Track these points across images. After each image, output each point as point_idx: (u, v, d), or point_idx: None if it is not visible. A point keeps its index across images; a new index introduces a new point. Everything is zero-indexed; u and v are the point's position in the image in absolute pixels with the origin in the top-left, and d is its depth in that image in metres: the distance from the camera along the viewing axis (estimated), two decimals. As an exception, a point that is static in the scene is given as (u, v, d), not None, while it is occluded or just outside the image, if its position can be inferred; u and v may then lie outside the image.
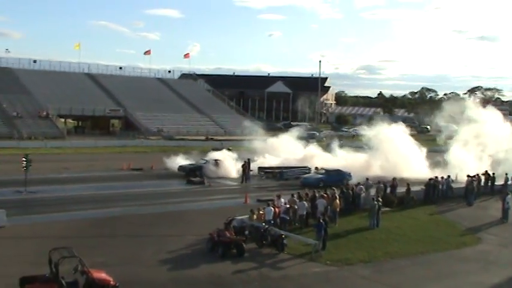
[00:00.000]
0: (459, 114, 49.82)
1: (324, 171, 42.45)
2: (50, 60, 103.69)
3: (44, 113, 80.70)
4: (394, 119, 54.07)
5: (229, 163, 45.60)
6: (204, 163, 44.80)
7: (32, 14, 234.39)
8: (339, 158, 49.45)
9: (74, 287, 16.64)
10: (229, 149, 49.38)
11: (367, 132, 50.32)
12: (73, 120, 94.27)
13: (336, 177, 40.61)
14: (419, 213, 33.37)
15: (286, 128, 74.82)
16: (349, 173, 42.07)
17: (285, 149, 52.07)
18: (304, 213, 28.40)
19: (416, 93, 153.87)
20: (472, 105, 51.76)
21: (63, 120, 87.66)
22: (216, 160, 45.34)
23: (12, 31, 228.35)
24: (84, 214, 30.07)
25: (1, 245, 23.42)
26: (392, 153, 45.82)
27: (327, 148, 53.39)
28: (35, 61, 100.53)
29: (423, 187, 37.34)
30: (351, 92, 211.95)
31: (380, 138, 47.41)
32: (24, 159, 34.91)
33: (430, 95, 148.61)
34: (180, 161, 46.87)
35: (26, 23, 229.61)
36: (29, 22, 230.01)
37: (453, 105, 52.94)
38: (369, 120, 51.59)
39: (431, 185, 37.17)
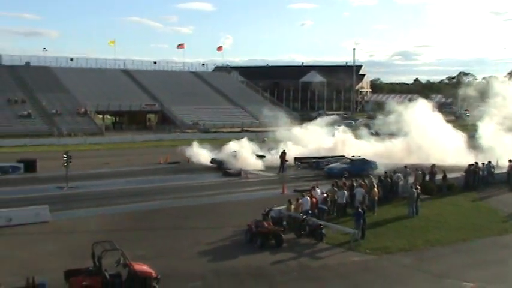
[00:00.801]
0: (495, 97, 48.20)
1: (348, 160, 41.87)
2: (87, 58, 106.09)
3: (82, 110, 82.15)
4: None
5: (247, 155, 45.42)
6: (235, 155, 45.00)
7: (67, 13, 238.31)
8: (373, 145, 48.92)
9: (117, 279, 16.87)
10: (263, 140, 49.36)
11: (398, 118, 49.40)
12: (110, 116, 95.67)
13: (360, 167, 40.03)
14: (459, 200, 32.82)
15: (320, 117, 74.36)
16: (375, 162, 41.41)
17: (311, 138, 51.36)
18: (344, 202, 28.29)
19: (453, 78, 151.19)
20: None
21: (101, 116, 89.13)
22: (234, 152, 45.37)
23: (48, 30, 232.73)
24: (123, 208, 30.49)
25: (45, 239, 24.01)
26: (425, 139, 44.98)
27: (361, 136, 52.72)
28: (71, 59, 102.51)
29: (463, 173, 36.68)
30: (387, 79, 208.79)
31: (411, 124, 46.56)
32: (64, 155, 35.67)
33: (468, 79, 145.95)
34: (203, 153, 47.39)
35: (61, 22, 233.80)
36: (64, 21, 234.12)
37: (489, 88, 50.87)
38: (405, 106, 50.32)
39: (472, 171, 36.49)
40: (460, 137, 47.12)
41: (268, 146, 49.66)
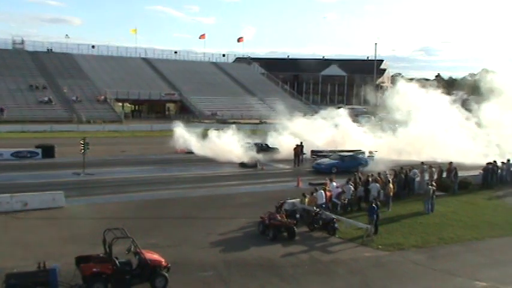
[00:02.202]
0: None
1: (338, 156, 41.20)
2: (108, 46, 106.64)
3: (102, 98, 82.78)
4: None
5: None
6: (249, 146, 44.99)
7: (91, 1, 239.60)
8: (378, 139, 48.38)
9: (127, 267, 16.97)
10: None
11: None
12: (130, 104, 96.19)
13: (350, 163, 39.54)
14: (476, 198, 32.42)
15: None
16: (366, 159, 40.96)
17: (311, 130, 50.07)
18: (350, 197, 28.11)
19: (476, 74, 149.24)
20: None
21: (120, 104, 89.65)
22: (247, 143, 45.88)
23: (71, 17, 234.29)
24: (138, 196, 30.71)
25: (59, 225, 24.29)
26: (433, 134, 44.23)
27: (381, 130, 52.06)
28: (93, 46, 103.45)
29: (481, 171, 36.24)
30: (408, 74, 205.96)
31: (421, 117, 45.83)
32: (82, 142, 35.95)
33: (490, 76, 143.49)
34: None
35: (84, 9, 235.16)
36: (87, 8, 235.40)
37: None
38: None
39: (490, 169, 36.04)
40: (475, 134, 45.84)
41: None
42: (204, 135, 48.24)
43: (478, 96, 48.47)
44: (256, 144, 46.14)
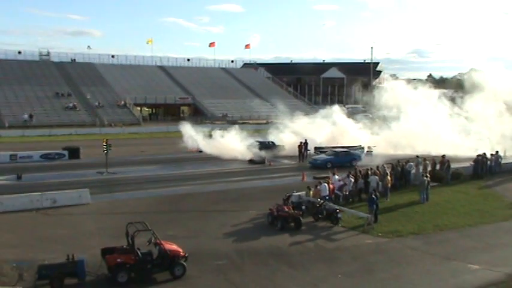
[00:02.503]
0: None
1: (333, 152, 40.82)
2: (126, 55, 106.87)
3: (122, 103, 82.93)
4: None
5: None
6: (258, 145, 44.96)
7: (110, 14, 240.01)
8: (374, 135, 47.96)
9: (148, 257, 16.99)
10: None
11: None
12: (148, 108, 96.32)
13: (344, 159, 39.26)
14: (468, 187, 32.19)
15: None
16: (359, 154, 40.56)
17: (309, 128, 49.22)
18: (351, 189, 27.97)
19: (465, 73, 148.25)
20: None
21: (139, 108, 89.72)
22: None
23: (93, 30, 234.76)
24: (157, 192, 30.71)
25: (85, 220, 24.33)
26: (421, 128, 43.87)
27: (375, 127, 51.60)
28: (113, 56, 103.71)
29: (472, 163, 36.01)
30: (402, 75, 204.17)
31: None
32: (104, 144, 36.01)
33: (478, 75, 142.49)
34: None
35: (104, 23, 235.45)
36: (107, 21, 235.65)
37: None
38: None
39: (480, 161, 35.80)
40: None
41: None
42: (210, 135, 48.07)
43: (465, 93, 47.73)
44: (262, 142, 46.04)
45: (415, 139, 43.31)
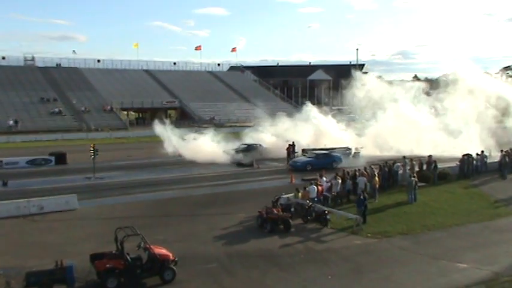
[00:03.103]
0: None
1: (314, 154, 40.71)
2: (112, 59, 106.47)
3: (108, 107, 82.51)
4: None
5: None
6: (245, 147, 45.12)
7: (94, 19, 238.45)
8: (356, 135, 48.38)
9: (138, 262, 16.92)
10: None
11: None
12: (134, 112, 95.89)
13: (324, 161, 39.12)
14: (454, 187, 32.44)
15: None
16: (339, 156, 40.36)
17: (291, 130, 49.05)
18: (338, 190, 28.03)
19: (449, 74, 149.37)
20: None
21: (125, 112, 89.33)
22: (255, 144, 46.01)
23: (78, 35, 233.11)
24: (145, 196, 30.55)
25: (73, 225, 24.16)
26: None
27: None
28: (98, 61, 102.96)
29: (458, 163, 36.31)
30: (388, 77, 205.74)
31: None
32: (91, 148, 35.78)
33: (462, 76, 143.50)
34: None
35: (90, 27, 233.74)
36: (92, 26, 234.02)
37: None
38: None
39: (466, 160, 36.10)
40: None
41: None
42: (186, 138, 47.40)
43: (445, 93, 47.95)
44: (250, 144, 45.96)
45: (398, 138, 43.52)
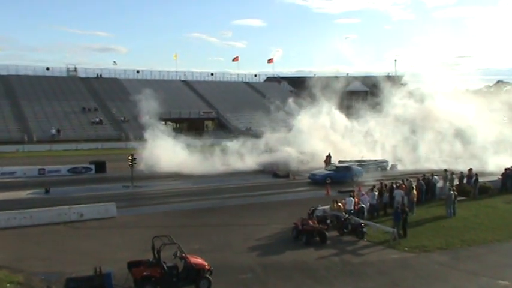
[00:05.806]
0: None
1: (334, 167, 39.89)
2: (151, 70, 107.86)
3: (146, 117, 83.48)
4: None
5: None
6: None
7: (135, 31, 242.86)
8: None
9: (174, 270, 17.06)
10: None
11: None
12: (172, 122, 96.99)
13: (344, 174, 38.43)
14: (496, 202, 31.64)
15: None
16: (361, 170, 39.50)
17: (299, 140, 49.59)
18: (374, 203, 27.73)
19: (491, 86, 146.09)
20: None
21: (163, 123, 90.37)
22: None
23: (119, 46, 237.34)
24: (182, 206, 30.86)
25: (112, 233, 24.58)
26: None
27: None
28: (138, 71, 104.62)
29: (500, 177, 35.41)
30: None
31: None
32: (130, 158, 36.39)
33: (505, 87, 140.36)
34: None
35: (130, 39, 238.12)
36: (132, 38, 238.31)
37: None
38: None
39: (508, 174, 35.17)
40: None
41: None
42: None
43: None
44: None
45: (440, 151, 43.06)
